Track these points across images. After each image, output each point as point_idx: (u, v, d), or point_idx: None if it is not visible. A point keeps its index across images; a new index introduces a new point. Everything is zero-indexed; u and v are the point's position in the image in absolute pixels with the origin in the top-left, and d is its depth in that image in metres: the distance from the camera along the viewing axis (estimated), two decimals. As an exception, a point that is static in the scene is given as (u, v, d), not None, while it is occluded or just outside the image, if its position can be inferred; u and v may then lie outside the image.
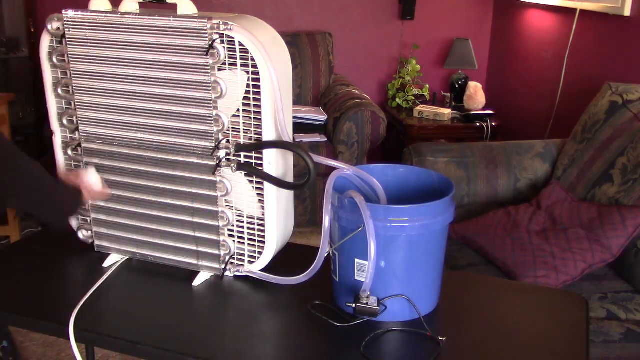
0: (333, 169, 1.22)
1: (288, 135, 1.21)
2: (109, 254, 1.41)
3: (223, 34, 1.18)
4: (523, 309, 1.26)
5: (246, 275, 1.33)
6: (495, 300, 1.29)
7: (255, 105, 1.21)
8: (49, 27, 1.28)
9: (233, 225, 1.31)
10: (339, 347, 1.12)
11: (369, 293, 1.12)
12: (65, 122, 1.36)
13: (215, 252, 1.33)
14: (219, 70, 1.21)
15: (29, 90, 3.57)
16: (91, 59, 1.28)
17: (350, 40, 3.94)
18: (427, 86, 3.88)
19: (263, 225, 1.29)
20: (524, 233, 1.95)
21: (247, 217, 1.30)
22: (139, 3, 1.29)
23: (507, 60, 3.80)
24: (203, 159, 1.27)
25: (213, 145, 1.25)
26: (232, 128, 1.24)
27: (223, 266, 1.33)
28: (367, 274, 1.11)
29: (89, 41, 1.27)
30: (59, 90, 1.34)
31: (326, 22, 3.89)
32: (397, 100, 3.80)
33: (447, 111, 3.54)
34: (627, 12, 2.58)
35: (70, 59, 1.30)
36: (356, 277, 1.18)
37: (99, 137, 1.34)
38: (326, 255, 1.19)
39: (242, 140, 1.25)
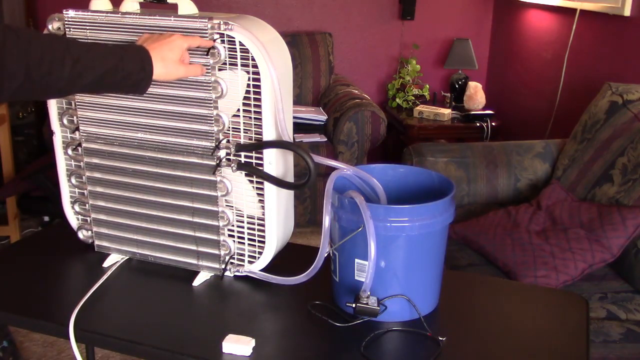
0: (333, 169, 1.22)
1: (288, 135, 1.21)
2: (109, 254, 1.41)
3: (223, 34, 1.18)
4: (523, 309, 1.26)
5: (246, 275, 1.33)
6: (495, 300, 1.29)
7: (255, 105, 1.21)
8: (50, 27, 1.28)
9: (233, 225, 1.31)
10: (339, 347, 1.12)
11: (369, 293, 1.12)
12: (65, 122, 1.36)
13: (215, 252, 1.33)
14: (220, 70, 1.20)
15: (29, 90, 3.56)
16: (91, 58, 1.28)
17: (350, 40, 3.94)
18: (427, 86, 3.89)
19: (263, 225, 1.29)
20: (524, 233, 1.95)
21: (247, 217, 1.30)
22: (140, 3, 1.29)
23: (507, 60, 3.80)
24: (203, 159, 1.27)
25: (213, 145, 1.25)
26: (233, 128, 1.24)
27: (223, 266, 1.33)
28: (367, 274, 1.11)
29: (89, 41, 1.26)
30: (59, 90, 1.34)
31: (326, 22, 3.89)
32: (397, 100, 3.80)
33: (447, 111, 3.54)
34: (627, 12, 2.58)
35: (71, 59, 1.29)
36: (356, 277, 1.18)
37: (99, 137, 1.34)
38: (326, 255, 1.19)
39: (242, 140, 1.25)
